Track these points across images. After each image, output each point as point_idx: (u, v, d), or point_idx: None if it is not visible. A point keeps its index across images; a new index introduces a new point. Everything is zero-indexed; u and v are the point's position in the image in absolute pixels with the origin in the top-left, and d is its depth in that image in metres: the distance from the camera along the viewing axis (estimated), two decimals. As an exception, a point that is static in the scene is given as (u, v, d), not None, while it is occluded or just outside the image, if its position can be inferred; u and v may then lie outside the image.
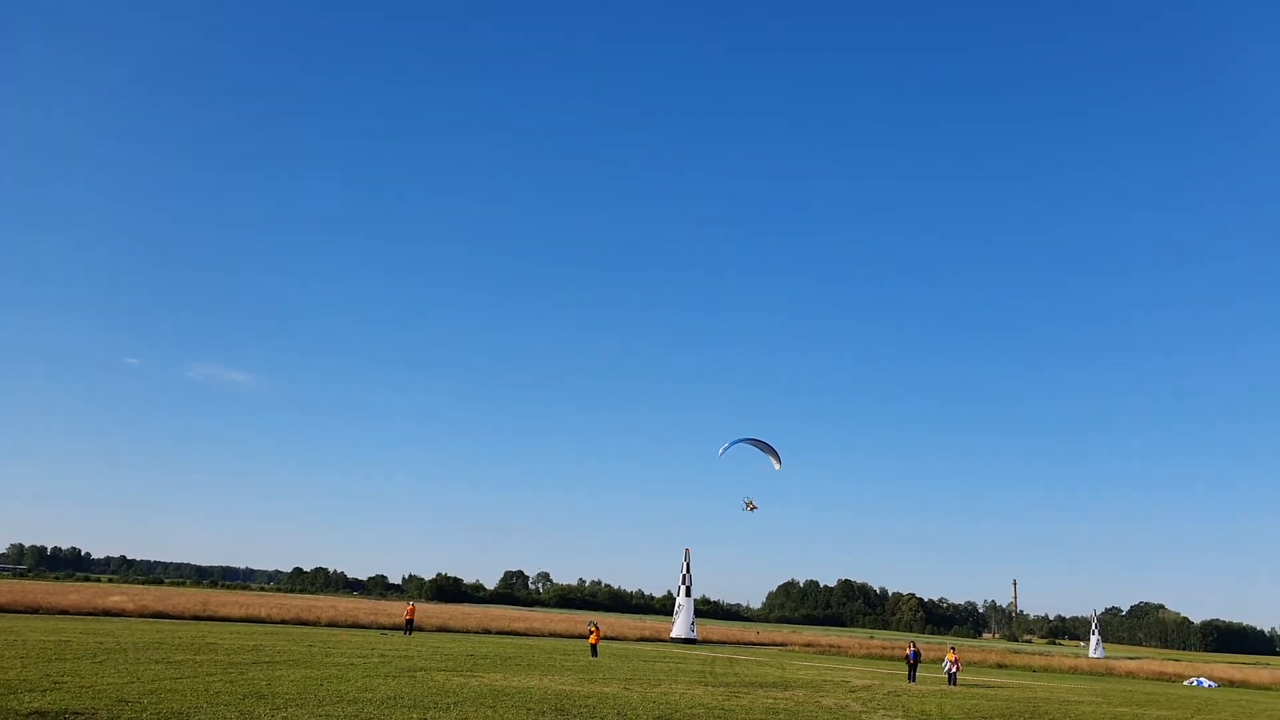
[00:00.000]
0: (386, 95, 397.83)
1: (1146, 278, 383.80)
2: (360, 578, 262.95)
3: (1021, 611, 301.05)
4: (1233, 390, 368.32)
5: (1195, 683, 66.17)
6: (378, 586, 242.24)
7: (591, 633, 48.19)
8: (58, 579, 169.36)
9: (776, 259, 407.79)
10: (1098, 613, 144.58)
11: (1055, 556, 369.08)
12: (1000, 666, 72.53)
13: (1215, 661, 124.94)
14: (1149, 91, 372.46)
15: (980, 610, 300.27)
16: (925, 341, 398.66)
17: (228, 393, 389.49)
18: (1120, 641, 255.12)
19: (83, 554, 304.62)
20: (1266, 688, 66.97)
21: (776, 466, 53.58)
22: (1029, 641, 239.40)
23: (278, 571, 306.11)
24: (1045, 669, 72.92)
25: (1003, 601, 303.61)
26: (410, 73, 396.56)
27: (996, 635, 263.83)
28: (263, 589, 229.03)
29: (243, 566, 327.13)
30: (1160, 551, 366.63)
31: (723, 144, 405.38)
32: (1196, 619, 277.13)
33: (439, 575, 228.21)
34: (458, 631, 68.39)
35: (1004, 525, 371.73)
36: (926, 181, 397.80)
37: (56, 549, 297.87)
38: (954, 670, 42.12)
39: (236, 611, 66.11)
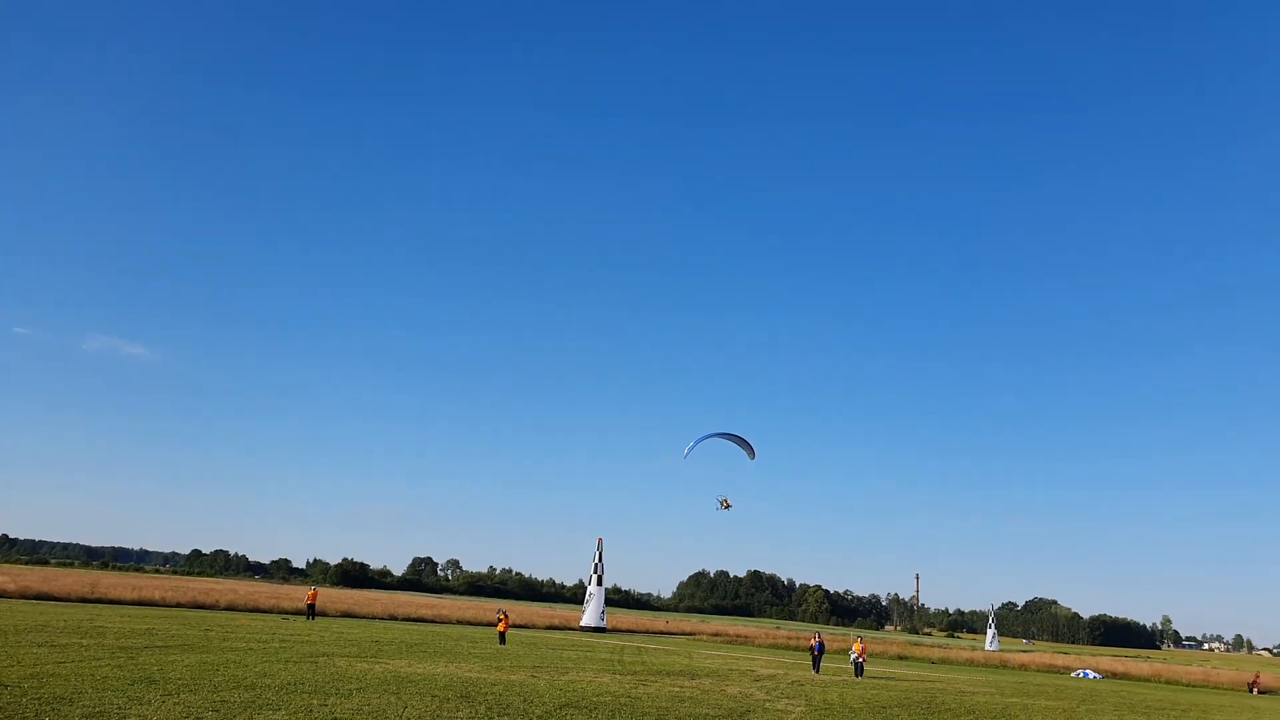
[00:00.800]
0: (308, 50, 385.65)
1: (1044, 284, 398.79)
2: (262, 561, 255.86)
3: (923, 605, 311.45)
4: (1124, 394, 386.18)
5: (1081, 675, 69.58)
6: (280, 570, 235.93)
7: (500, 620, 47.97)
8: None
9: (683, 249, 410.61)
10: (995, 607, 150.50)
11: (956, 553, 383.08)
12: (901, 658, 75.01)
13: (1101, 655, 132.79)
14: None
15: (884, 603, 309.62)
16: (830, 335, 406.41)
17: (125, 366, 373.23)
18: (1015, 635, 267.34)
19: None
20: (1146, 679, 71.36)
21: (751, 458, 53.35)
22: (929, 634, 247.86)
23: (174, 554, 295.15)
24: (944, 661, 75.86)
25: (905, 595, 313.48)
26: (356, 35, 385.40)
27: (899, 628, 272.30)
28: (158, 571, 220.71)
29: (136, 548, 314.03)
30: (1055, 550, 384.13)
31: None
32: (1086, 614, 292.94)
33: (345, 560, 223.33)
34: (363, 617, 67.19)
35: (908, 521, 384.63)
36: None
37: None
38: (861, 661, 42.03)
39: (128, 594, 63.54)
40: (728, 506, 57.77)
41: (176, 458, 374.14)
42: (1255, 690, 66.14)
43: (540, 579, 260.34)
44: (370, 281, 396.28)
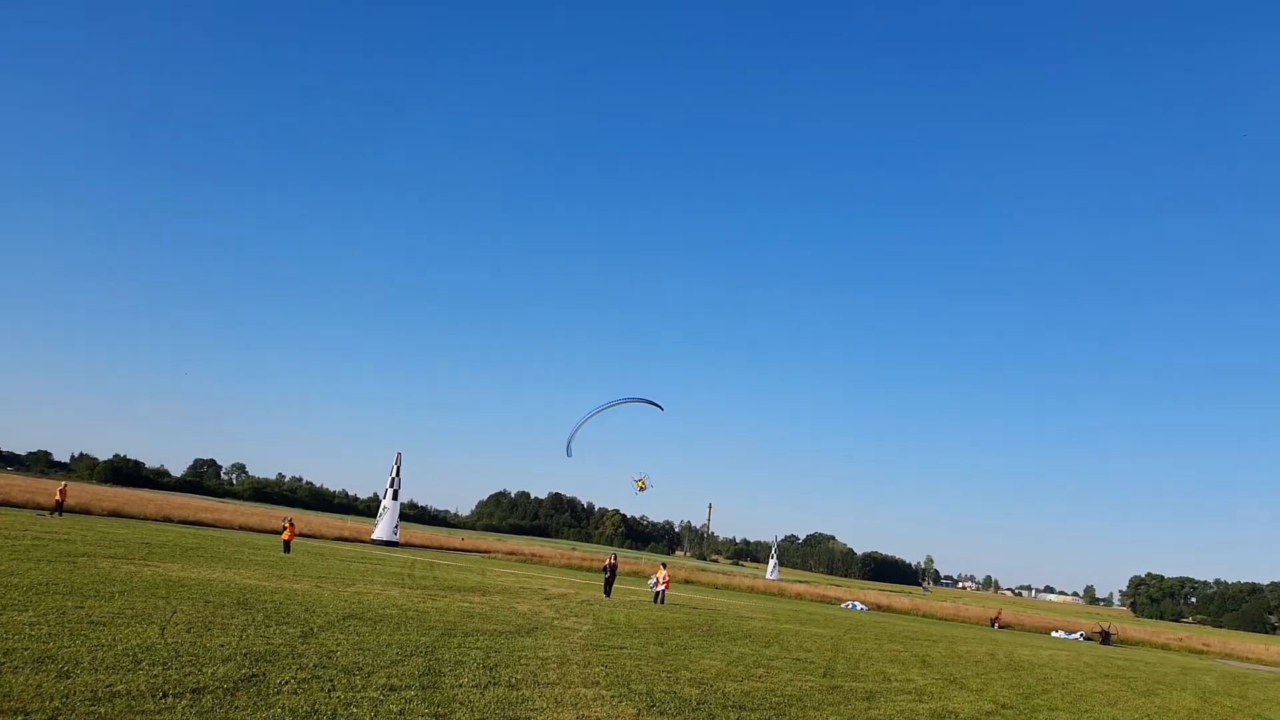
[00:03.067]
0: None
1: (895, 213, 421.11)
2: (17, 452, 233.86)
3: (713, 533, 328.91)
4: (894, 343, 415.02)
5: (851, 606, 76.47)
6: (39, 463, 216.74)
7: (285, 528, 46.65)
8: None
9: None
10: (778, 539, 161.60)
11: (746, 486, 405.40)
12: (688, 582, 79.13)
13: (870, 588, 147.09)
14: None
15: (676, 530, 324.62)
16: (630, 259, 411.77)
17: None
18: (795, 566, 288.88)
19: None
20: (906, 612, 79.39)
21: (660, 409, 52.90)
22: (716, 561, 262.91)
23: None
24: (727, 587, 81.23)
25: (697, 523, 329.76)
26: None
27: (689, 554, 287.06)
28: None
29: None
30: (835, 490, 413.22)
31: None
32: (860, 550, 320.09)
33: (116, 456, 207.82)
34: (133, 518, 63.15)
35: (704, 450, 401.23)
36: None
37: None
38: (663, 589, 40.45)
39: None
40: (644, 488, 58.25)
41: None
42: (996, 625, 75.12)
43: (333, 490, 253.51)
44: (150, 178, 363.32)
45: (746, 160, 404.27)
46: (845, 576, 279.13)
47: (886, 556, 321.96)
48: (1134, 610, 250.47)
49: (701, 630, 27.50)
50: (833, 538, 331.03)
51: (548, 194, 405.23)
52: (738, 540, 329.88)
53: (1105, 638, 70.62)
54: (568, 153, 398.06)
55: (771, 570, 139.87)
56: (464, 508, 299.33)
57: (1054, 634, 74.20)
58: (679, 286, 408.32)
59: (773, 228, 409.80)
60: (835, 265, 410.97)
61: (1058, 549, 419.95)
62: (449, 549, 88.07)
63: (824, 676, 19.64)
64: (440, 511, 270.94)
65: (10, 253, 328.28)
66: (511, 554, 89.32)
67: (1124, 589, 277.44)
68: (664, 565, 44.60)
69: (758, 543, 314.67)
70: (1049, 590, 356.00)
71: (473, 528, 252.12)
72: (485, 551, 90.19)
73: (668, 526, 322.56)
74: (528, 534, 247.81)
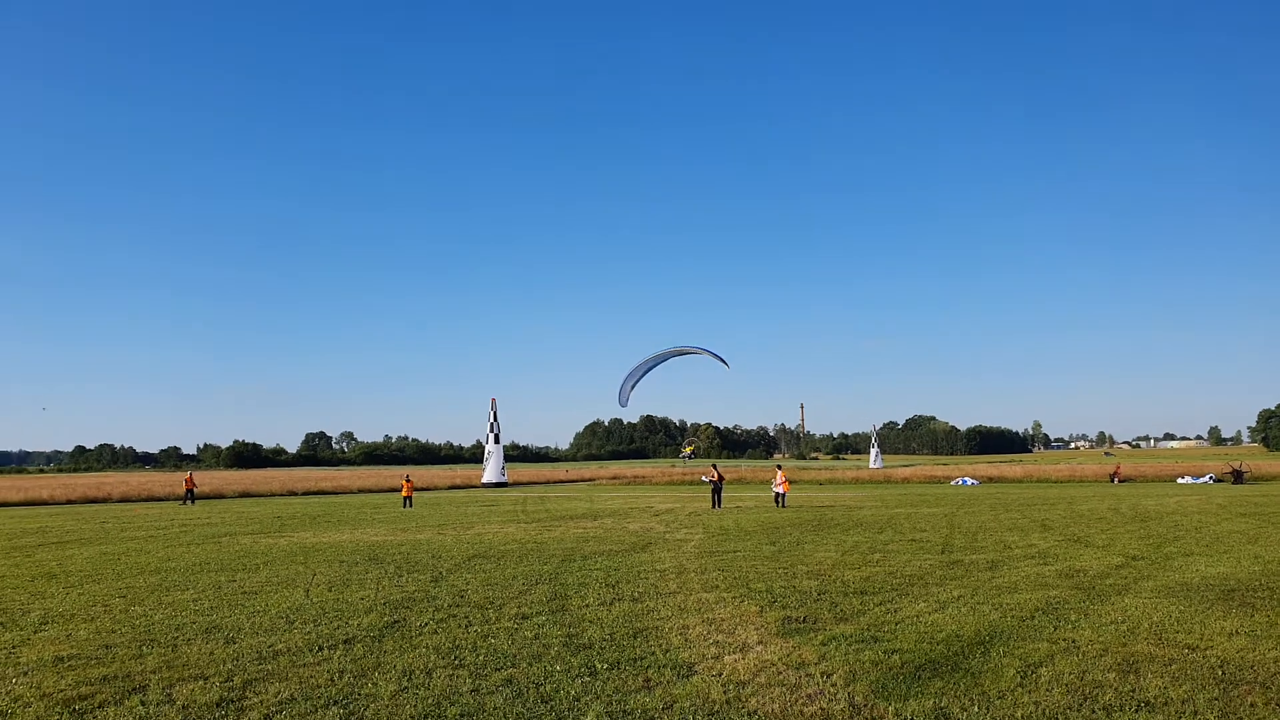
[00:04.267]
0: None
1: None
2: (151, 450, 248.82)
3: (809, 432, 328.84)
4: (985, 215, 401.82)
5: (960, 482, 75.63)
6: (171, 458, 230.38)
7: (404, 485, 48.65)
8: None
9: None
10: (876, 428, 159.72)
11: (838, 380, 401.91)
12: (790, 482, 79.46)
13: (978, 462, 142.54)
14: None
15: (771, 434, 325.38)
16: (691, 150, 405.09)
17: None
18: (897, 452, 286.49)
19: None
20: (1019, 480, 77.76)
21: (727, 366, 51.87)
22: (815, 459, 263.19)
23: (57, 452, 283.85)
24: (831, 481, 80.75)
25: (791, 424, 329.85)
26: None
27: (786, 455, 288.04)
28: (42, 470, 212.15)
29: (15, 449, 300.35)
30: (930, 370, 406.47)
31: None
32: (962, 427, 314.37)
33: (236, 442, 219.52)
34: (261, 495, 66.90)
35: (792, 350, 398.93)
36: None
37: None
38: (782, 492, 39.14)
39: (14, 496, 61.39)
40: (691, 455, 59.03)
41: (43, 354, 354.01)
42: (1116, 480, 73.39)
43: (438, 443, 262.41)
44: (230, 158, 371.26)
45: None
46: (951, 454, 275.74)
47: (992, 428, 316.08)
48: (1266, 445, 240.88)
49: (811, 526, 27.90)
50: (933, 418, 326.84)
51: (611, 119, 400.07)
52: (835, 435, 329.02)
53: (1238, 477, 68.25)
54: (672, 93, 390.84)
55: (874, 459, 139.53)
56: (562, 441, 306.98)
57: (1180, 480, 72.06)
58: (734, 183, 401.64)
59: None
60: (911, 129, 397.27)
61: (1174, 393, 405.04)
62: (555, 482, 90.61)
63: (942, 553, 19.83)
64: (540, 448, 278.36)
65: (116, 274, 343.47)
66: (614, 478, 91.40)
67: (1253, 425, 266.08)
68: (780, 468, 42.88)
69: (856, 434, 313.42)
70: (1169, 438, 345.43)
71: (574, 459, 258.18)
72: (589, 480, 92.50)
73: (761, 432, 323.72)
74: (626, 458, 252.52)
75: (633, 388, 54.79)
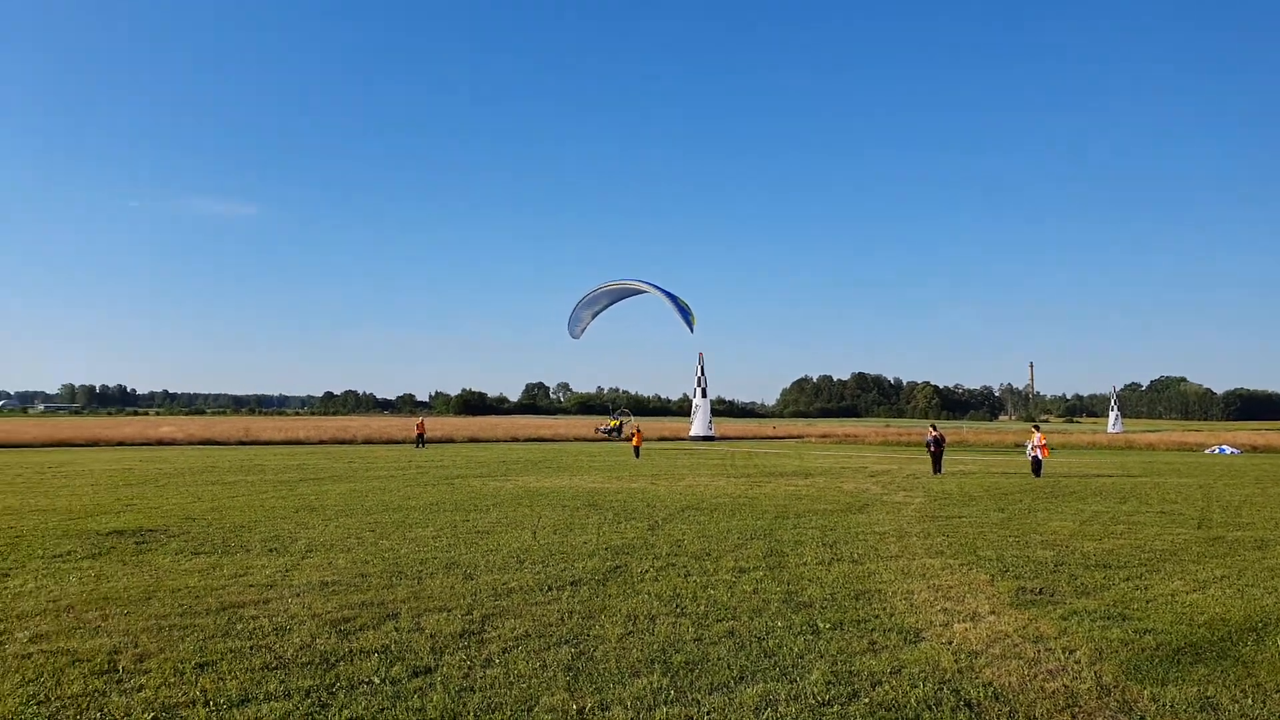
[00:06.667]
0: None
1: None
2: (389, 397, 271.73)
3: (1038, 393, 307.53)
4: (1236, 168, 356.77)
5: (1218, 450, 65.24)
6: (407, 405, 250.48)
7: (634, 435, 50.04)
8: (109, 414, 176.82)
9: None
10: (1117, 389, 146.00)
11: (1071, 337, 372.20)
12: (1018, 446, 74.07)
13: (1238, 429, 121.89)
14: None
15: (996, 394, 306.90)
16: (918, 120, 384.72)
17: (237, 226, 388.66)
18: (1140, 416, 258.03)
19: (128, 390, 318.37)
20: (1294, 451, 64.58)
21: (690, 330, 47.25)
22: (1046, 421, 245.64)
23: (310, 396, 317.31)
24: (1064, 445, 72.56)
25: (1019, 384, 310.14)
26: None
27: (1013, 417, 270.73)
28: (297, 413, 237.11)
29: (276, 394, 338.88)
30: (1181, 325, 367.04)
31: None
32: (1219, 389, 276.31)
33: (464, 390, 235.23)
34: (486, 441, 71.30)
35: (1019, 308, 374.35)
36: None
37: (104, 387, 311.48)
38: (1040, 457, 33.43)
39: (276, 435, 69.03)
40: (610, 431, 54.53)
41: (305, 309, 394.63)
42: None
43: (646, 395, 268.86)
44: (453, 120, 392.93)
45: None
46: (1205, 420, 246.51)
47: (1256, 391, 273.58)
48: None
49: (1044, 492, 26.20)
50: (1183, 379, 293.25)
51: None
52: (1068, 396, 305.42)
53: None
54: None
55: (1113, 423, 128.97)
56: (768, 397, 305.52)
57: None
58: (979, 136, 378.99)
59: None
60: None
61: None
62: (762, 438, 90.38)
63: (1198, 528, 18.03)
64: (747, 403, 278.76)
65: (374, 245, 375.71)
66: (824, 437, 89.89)
67: None
68: (1037, 428, 35.50)
69: (1091, 396, 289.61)
70: None
71: (781, 415, 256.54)
72: (798, 437, 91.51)
73: (985, 392, 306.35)
74: (836, 416, 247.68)
75: (593, 317, 51.61)
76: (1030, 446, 34.21)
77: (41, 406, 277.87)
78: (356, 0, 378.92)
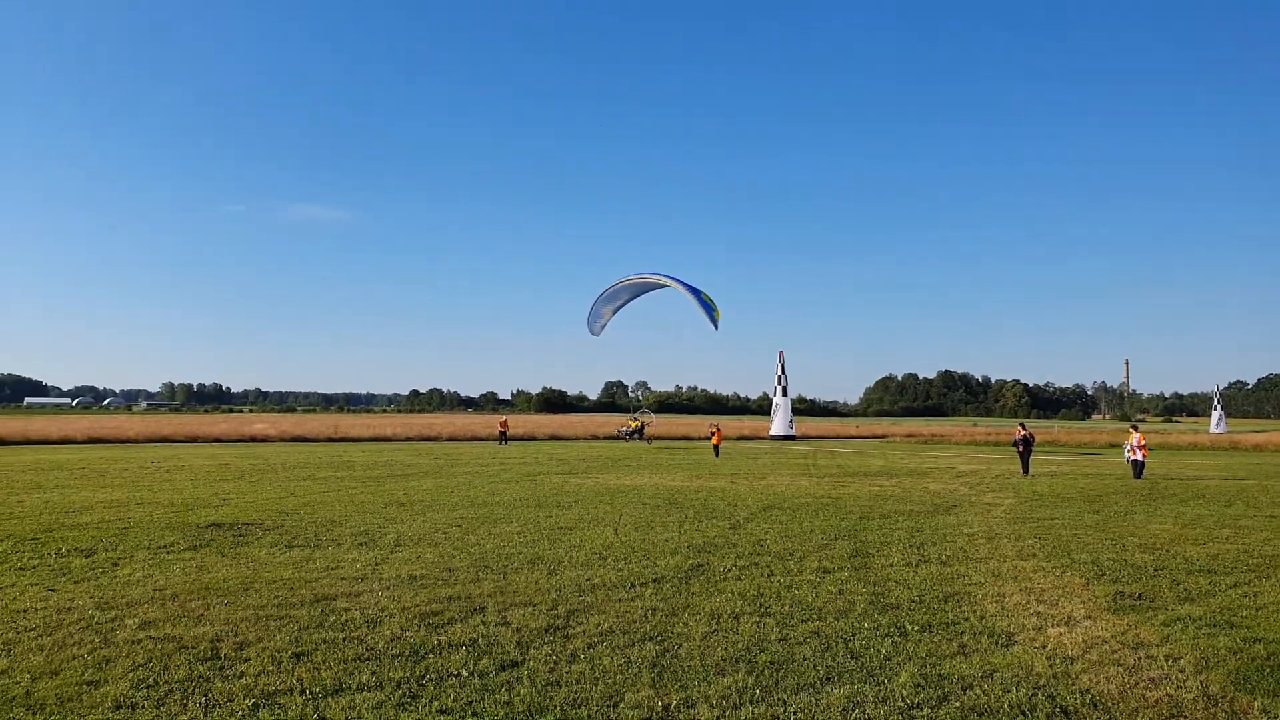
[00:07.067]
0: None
1: None
2: (472, 395, 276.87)
3: (1134, 391, 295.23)
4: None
5: None
6: (489, 403, 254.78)
7: (713, 434, 49.99)
8: (206, 412, 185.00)
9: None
10: (1220, 387, 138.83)
11: (1171, 332, 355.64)
12: (1112, 446, 71.48)
13: None
14: None
15: (1089, 392, 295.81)
16: (1002, 99, 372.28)
17: (329, 230, 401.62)
18: (1246, 416, 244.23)
19: (224, 388, 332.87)
20: None
21: (715, 327, 44.41)
22: (1143, 421, 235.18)
23: (395, 394, 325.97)
24: (1162, 446, 69.53)
25: (1113, 382, 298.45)
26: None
27: (1107, 416, 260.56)
28: (384, 411, 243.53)
29: (364, 392, 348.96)
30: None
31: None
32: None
33: (545, 389, 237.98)
34: (566, 439, 72.02)
35: (1113, 302, 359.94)
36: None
37: (201, 385, 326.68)
38: (1140, 459, 31.65)
39: (365, 432, 70.94)
40: (631, 433, 52.16)
41: (392, 309, 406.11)
42: None
43: (725, 394, 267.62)
44: (530, 119, 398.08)
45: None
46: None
47: None
48: None
49: (1141, 494, 25.18)
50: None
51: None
52: (1166, 395, 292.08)
53: None
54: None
55: (1216, 423, 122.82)
56: (850, 396, 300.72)
57: None
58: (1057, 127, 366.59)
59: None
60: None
61: None
62: (844, 437, 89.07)
63: (1308, 534, 17.09)
64: (829, 402, 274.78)
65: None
66: (909, 436, 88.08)
67: None
68: (1135, 428, 33.96)
69: (1192, 395, 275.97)
70: None
71: (864, 414, 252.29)
72: (881, 436, 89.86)
73: (1078, 390, 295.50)
74: (922, 415, 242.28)
75: (614, 312, 49.12)
76: (1129, 447, 32.71)
77: (144, 404, 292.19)
78: (445, 12, 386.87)
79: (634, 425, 56.83)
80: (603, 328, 49.11)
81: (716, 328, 44.48)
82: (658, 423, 57.26)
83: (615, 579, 11.74)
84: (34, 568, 12.42)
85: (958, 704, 7.05)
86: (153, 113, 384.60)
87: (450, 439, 68.25)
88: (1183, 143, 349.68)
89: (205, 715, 6.68)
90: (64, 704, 6.87)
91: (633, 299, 48.47)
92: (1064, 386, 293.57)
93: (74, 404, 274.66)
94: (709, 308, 44.14)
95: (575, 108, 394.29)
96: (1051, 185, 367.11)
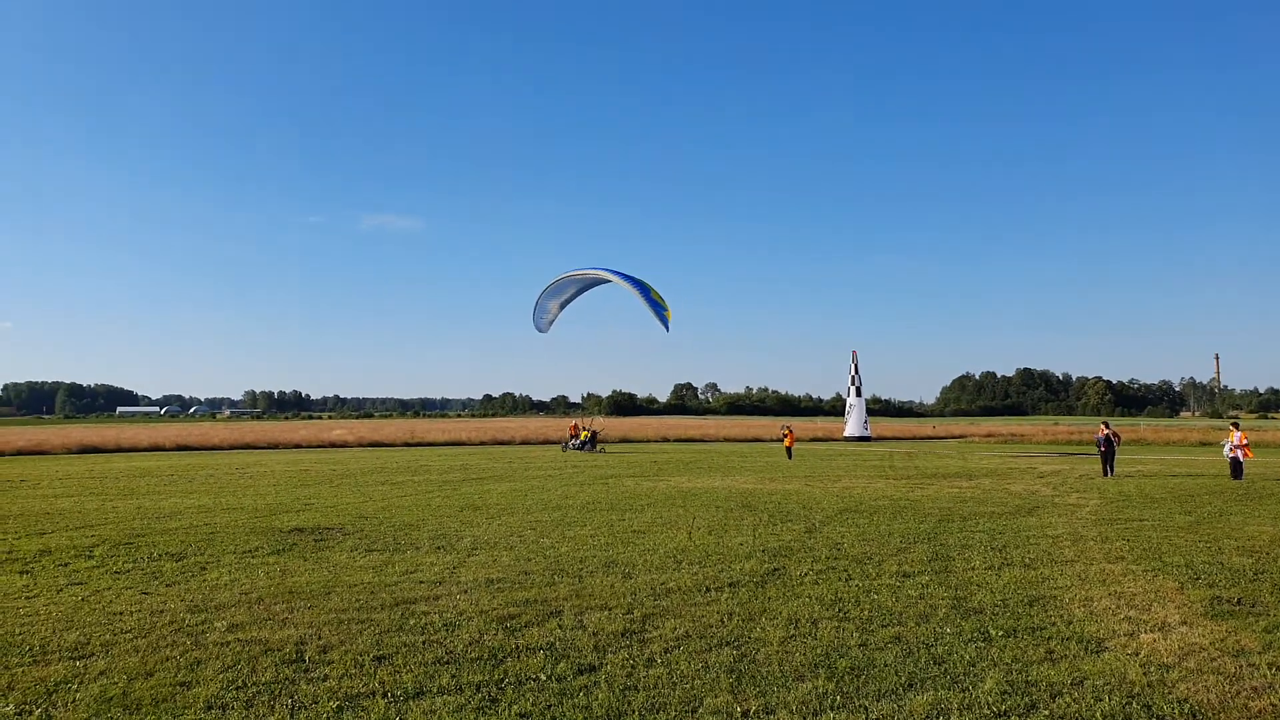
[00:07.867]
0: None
1: None
2: (544, 399, 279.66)
3: (1225, 386, 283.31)
4: None
5: None
6: (561, 406, 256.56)
7: (785, 435, 49.47)
8: (287, 418, 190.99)
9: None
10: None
11: (1264, 325, 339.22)
12: (1204, 445, 68.90)
13: None
14: None
15: (1177, 389, 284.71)
16: (1081, 90, 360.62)
17: (403, 238, 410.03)
18: None
19: (304, 396, 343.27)
20: None
21: (665, 329, 40.90)
22: (1235, 418, 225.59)
23: (469, 399, 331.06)
24: (1257, 444, 66.32)
25: (1203, 378, 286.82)
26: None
27: (1196, 414, 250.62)
28: (459, 415, 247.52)
29: (439, 397, 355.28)
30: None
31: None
32: None
33: (615, 392, 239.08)
34: (637, 441, 72.14)
35: (1201, 294, 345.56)
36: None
37: (282, 393, 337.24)
38: (1241, 458, 30.13)
39: (440, 437, 72.25)
40: (580, 443, 49.60)
41: (465, 315, 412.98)
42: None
43: (797, 395, 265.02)
44: (589, 126, 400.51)
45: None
46: None
47: None
48: None
49: (1237, 494, 24.11)
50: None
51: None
52: (1260, 390, 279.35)
53: None
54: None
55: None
56: (927, 395, 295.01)
57: None
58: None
59: None
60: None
61: None
62: (921, 438, 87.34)
63: None
64: (904, 402, 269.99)
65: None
66: (988, 436, 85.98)
67: None
68: (1235, 426, 32.26)
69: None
70: None
71: (941, 414, 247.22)
72: (959, 436, 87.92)
73: (1164, 386, 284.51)
74: (1001, 414, 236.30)
75: (561, 308, 45.64)
76: (1229, 446, 30.95)
77: (228, 412, 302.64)
78: (511, 17, 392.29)
79: (584, 435, 53.53)
80: (550, 323, 47.28)
81: (668, 329, 40.83)
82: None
83: (690, 583, 11.70)
84: (128, 571, 12.92)
85: (1046, 712, 6.83)
86: (233, 128, 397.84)
87: (524, 442, 68.95)
88: (1258, 122, 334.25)
89: (292, 716, 6.85)
90: (159, 704, 7.12)
91: (580, 293, 46.05)
92: (1149, 383, 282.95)
93: (162, 412, 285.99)
94: (658, 307, 40.81)
95: (641, 110, 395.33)
96: (1130, 171, 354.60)
